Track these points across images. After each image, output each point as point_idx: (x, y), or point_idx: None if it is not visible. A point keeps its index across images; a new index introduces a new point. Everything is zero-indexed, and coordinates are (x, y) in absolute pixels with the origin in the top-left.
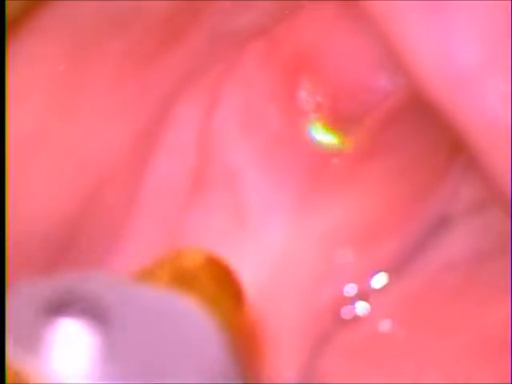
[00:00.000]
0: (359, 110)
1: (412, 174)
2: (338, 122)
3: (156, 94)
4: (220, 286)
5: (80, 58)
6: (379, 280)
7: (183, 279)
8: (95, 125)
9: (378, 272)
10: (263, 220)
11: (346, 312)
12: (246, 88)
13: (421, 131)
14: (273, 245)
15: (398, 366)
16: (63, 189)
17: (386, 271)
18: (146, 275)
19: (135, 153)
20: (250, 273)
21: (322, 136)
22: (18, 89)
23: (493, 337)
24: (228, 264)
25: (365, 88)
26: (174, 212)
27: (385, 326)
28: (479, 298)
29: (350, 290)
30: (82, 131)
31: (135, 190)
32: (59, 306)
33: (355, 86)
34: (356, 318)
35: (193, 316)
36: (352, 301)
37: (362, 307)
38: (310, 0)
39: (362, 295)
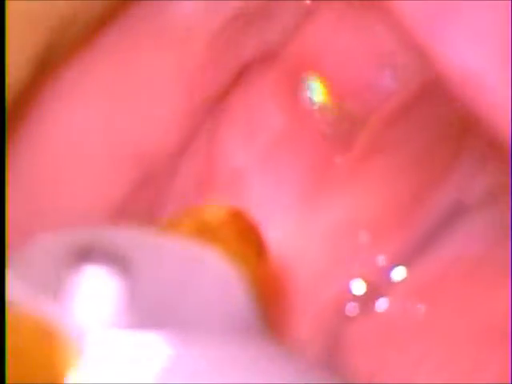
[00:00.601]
0: (363, 109)
1: (417, 170)
2: (341, 120)
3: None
4: (243, 239)
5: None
6: (387, 274)
7: (206, 232)
8: (140, 108)
9: (385, 266)
10: (266, 219)
11: (351, 309)
12: (250, 89)
13: (425, 129)
14: (276, 244)
15: (404, 351)
16: (110, 175)
17: (394, 265)
18: (169, 227)
19: (178, 140)
20: None
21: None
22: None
23: (502, 321)
24: (251, 219)
25: (368, 87)
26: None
27: (395, 317)
28: (490, 283)
29: (357, 286)
30: (126, 114)
31: (171, 178)
32: (82, 254)
33: (359, 86)
34: (364, 313)
35: (216, 266)
36: (360, 297)
37: (370, 301)
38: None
39: (370, 290)
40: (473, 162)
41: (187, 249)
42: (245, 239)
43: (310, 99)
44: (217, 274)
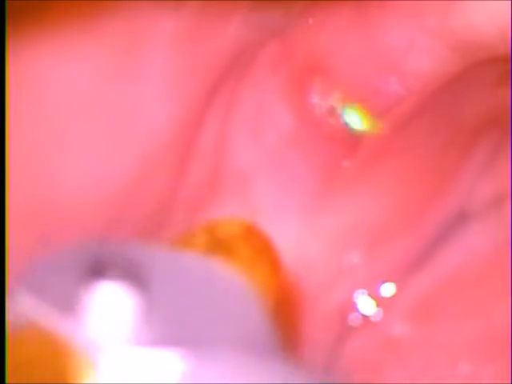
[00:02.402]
0: (371, 113)
1: (423, 176)
2: (349, 124)
3: (198, 79)
4: (257, 255)
5: (137, 29)
6: (394, 278)
7: (220, 247)
8: (147, 96)
9: (392, 271)
10: (275, 220)
11: (354, 318)
12: (259, 90)
13: (431, 135)
14: (285, 245)
15: (404, 363)
16: (114, 159)
17: (400, 270)
18: (183, 243)
19: (181, 133)
20: None
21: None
22: (79, 50)
23: (502, 334)
24: (266, 234)
25: (376, 93)
26: (194, 207)
27: (399, 322)
28: (491, 295)
29: (364, 290)
30: (134, 102)
31: (178, 173)
32: (98, 270)
33: (366, 91)
34: (366, 323)
35: (230, 282)
36: (366, 300)
37: (375, 306)
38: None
39: (377, 294)
40: (478, 169)
41: (202, 265)
42: (259, 255)
43: (319, 102)
44: (232, 291)
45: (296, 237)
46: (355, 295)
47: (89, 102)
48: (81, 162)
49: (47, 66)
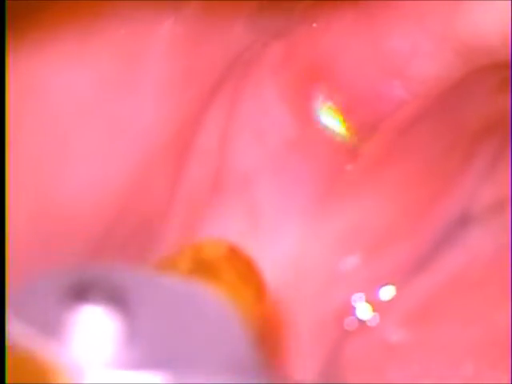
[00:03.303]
0: (373, 117)
1: (426, 179)
2: (352, 128)
3: (199, 80)
4: (241, 277)
5: (137, 31)
6: (395, 282)
7: (204, 270)
8: (146, 100)
9: (394, 274)
10: (277, 223)
11: (351, 322)
12: (262, 93)
13: (435, 139)
14: (286, 248)
15: (405, 366)
16: (113, 163)
17: (402, 274)
18: (167, 265)
19: (180, 135)
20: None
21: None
22: (80, 54)
23: (504, 336)
24: (249, 256)
25: (379, 97)
26: (195, 209)
27: (400, 326)
28: (493, 298)
29: (364, 293)
30: (134, 105)
31: (177, 175)
32: (81, 293)
33: (369, 95)
34: (365, 326)
35: (214, 306)
36: (365, 304)
37: (374, 310)
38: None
39: (377, 298)
40: (480, 173)
41: (185, 288)
42: (244, 278)
43: (322, 106)
44: (215, 314)
45: (297, 240)
46: (354, 299)
47: (89, 104)
48: (80, 167)
49: (46, 69)
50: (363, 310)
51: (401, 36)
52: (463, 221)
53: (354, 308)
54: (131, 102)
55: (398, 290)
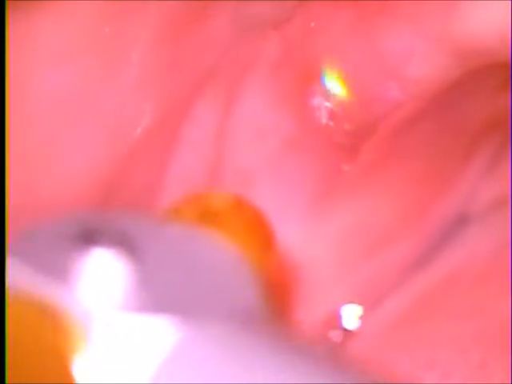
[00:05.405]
0: (371, 117)
1: (425, 179)
2: (350, 128)
3: (186, 70)
4: (249, 228)
5: (121, 22)
6: (394, 280)
7: (211, 219)
8: (131, 90)
9: (393, 273)
10: (275, 223)
11: (356, 314)
12: (260, 92)
13: (433, 139)
14: (284, 248)
15: (413, 357)
16: (99, 151)
17: (401, 272)
18: (173, 213)
19: (165, 125)
20: None
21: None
22: (62, 46)
23: (508, 327)
24: (257, 208)
25: (376, 98)
26: None
27: (402, 323)
28: (497, 289)
29: (364, 291)
30: (118, 95)
31: (162, 165)
32: (89, 237)
33: (366, 96)
34: (370, 318)
35: (223, 253)
36: (363, 304)
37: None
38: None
39: (378, 296)
40: (479, 173)
41: (194, 236)
42: (251, 228)
43: (320, 106)
44: (223, 261)
45: (296, 240)
46: (354, 298)
47: (73, 95)
48: (64, 157)
49: (29, 61)
50: (363, 310)
51: (397, 37)
52: (462, 220)
53: (354, 308)
54: (116, 93)
55: (397, 288)
